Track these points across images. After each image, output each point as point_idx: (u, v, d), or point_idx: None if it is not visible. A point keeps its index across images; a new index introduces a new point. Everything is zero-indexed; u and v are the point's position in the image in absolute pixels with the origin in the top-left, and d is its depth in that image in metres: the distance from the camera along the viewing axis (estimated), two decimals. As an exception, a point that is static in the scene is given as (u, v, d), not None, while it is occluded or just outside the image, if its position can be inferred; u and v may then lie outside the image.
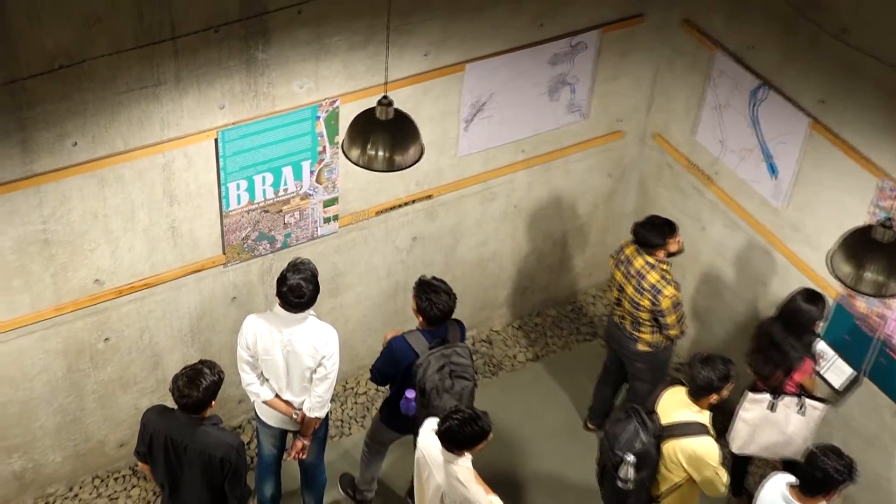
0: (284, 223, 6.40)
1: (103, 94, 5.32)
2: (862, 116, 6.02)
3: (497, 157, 7.06)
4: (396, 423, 6.21)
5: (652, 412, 5.82)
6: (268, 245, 6.42)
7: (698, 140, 7.19)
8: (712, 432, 5.71)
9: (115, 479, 6.79)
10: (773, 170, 6.69)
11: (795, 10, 6.11)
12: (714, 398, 5.74)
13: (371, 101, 4.94)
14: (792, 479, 5.39)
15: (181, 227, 6.06)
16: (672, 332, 6.66)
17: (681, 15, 6.96)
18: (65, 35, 4.99)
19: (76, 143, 5.41)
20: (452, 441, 5.24)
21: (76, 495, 6.69)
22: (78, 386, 6.31)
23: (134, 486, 6.90)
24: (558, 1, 6.52)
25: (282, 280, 5.65)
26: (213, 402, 5.25)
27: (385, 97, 4.90)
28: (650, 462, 5.71)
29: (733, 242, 7.20)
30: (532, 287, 8.08)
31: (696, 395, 5.71)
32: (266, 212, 6.28)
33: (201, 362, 5.23)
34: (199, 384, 5.12)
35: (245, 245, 6.34)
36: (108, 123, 5.45)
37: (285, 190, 6.27)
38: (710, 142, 7.10)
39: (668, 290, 6.45)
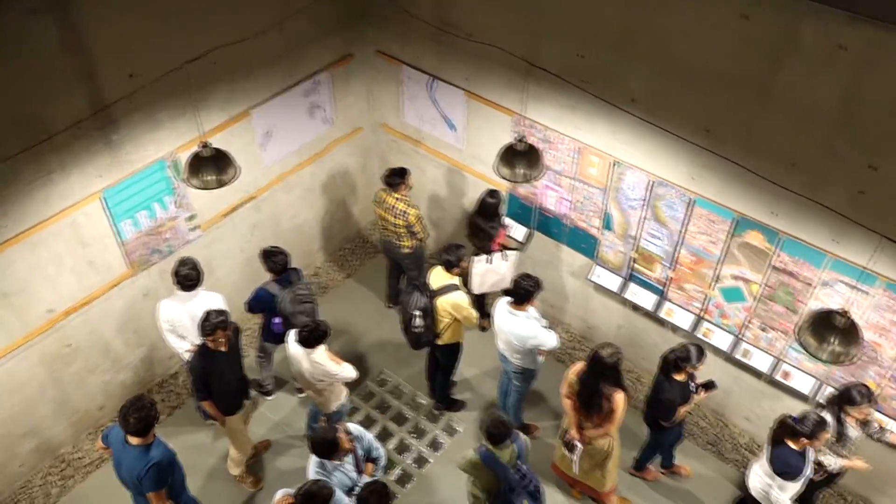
0: (164, 239, 6.38)
1: (15, 187, 5.24)
2: (491, 82, 6.47)
3: (289, 161, 7.18)
4: (272, 338, 6.36)
5: (425, 284, 6.14)
6: (158, 255, 6.41)
7: (406, 121, 7.47)
8: (463, 289, 6.13)
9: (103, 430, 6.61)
10: (453, 127, 7.12)
11: (437, 28, 6.47)
12: (458, 271, 6.10)
13: (197, 148, 5.14)
14: (509, 298, 5.73)
15: (96, 259, 5.96)
16: (421, 236, 6.99)
17: (374, 48, 7.19)
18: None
19: (7, 225, 5.31)
20: (306, 342, 5.47)
21: (79, 448, 6.61)
22: (59, 381, 6.21)
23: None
24: (298, 57, 6.70)
25: (176, 273, 5.76)
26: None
27: (204, 143, 5.19)
28: (430, 313, 6.08)
29: (442, 175, 7.51)
30: (332, 234, 8.14)
31: (448, 267, 6.08)
32: (150, 235, 6.26)
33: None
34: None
35: (143, 259, 6.33)
36: (23, 206, 5.35)
37: (159, 218, 6.26)
38: (414, 120, 7.41)
39: (412, 211, 6.78)
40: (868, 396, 5.01)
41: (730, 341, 6.16)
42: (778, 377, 6.03)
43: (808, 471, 4.95)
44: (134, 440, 4.61)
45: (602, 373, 5.07)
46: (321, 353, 5.50)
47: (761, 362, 6.06)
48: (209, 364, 5.46)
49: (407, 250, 6.96)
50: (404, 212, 6.68)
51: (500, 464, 4.76)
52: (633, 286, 6.58)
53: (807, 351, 4.52)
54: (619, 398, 5.14)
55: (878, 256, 4.88)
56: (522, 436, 5.10)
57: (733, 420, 6.70)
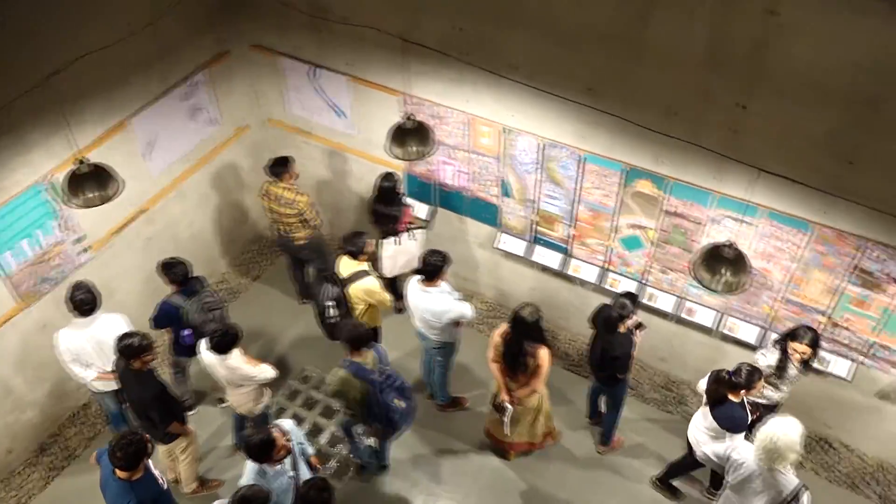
0: (53, 265, 6.11)
1: None
2: (373, 64, 6.43)
3: (177, 168, 6.97)
4: (184, 351, 6.19)
5: (334, 274, 6.11)
6: (49, 284, 6.14)
7: (294, 113, 7.36)
8: (372, 273, 6.14)
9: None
10: (341, 114, 7.06)
11: (311, 16, 6.38)
12: (365, 257, 6.09)
13: (73, 166, 4.94)
14: (420, 276, 5.81)
15: (-17, 295, 5.58)
16: (314, 223, 6.85)
17: (250, 42, 7.02)
18: None
19: None
20: (219, 348, 5.37)
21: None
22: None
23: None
24: (172, 60, 6.48)
25: (71, 299, 5.51)
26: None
27: (80, 160, 4.95)
28: (343, 302, 6.07)
29: (338, 164, 7.47)
30: (233, 237, 8.03)
31: (355, 255, 6.08)
32: (37, 263, 5.98)
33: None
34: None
35: (33, 290, 6.06)
36: None
37: (44, 245, 6.00)
38: (301, 111, 7.31)
39: (301, 198, 6.65)
40: (812, 337, 5.21)
41: (635, 288, 6.42)
42: (683, 315, 6.35)
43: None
44: (120, 473, 4.47)
45: (524, 331, 5.17)
46: (236, 357, 5.41)
47: (666, 303, 6.37)
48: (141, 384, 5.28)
49: (302, 241, 6.83)
50: (293, 200, 6.55)
51: (366, 370, 5.10)
52: (538, 248, 6.76)
53: (702, 285, 4.80)
54: (543, 353, 5.26)
55: (756, 188, 5.20)
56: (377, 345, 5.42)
57: (649, 362, 7.02)
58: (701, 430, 5.38)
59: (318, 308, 6.08)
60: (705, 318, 6.25)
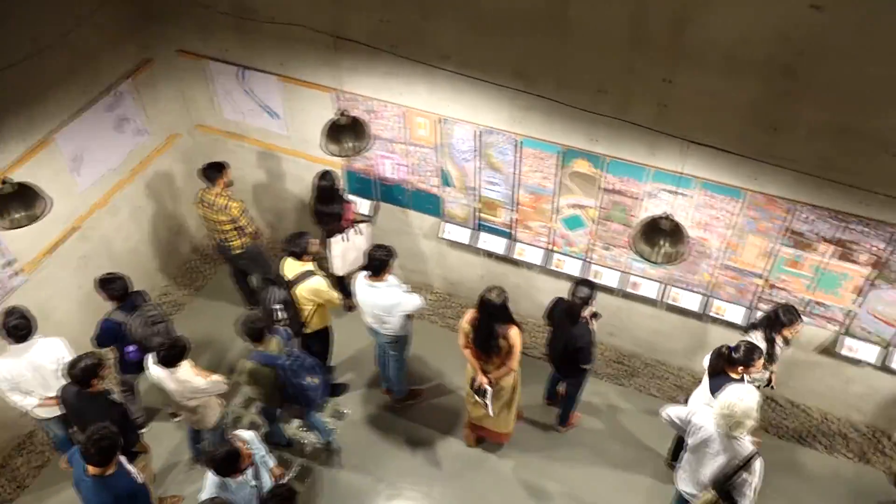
0: None
1: None
2: (303, 62, 6.38)
3: (107, 182, 6.81)
4: (131, 369, 6.05)
5: (279, 276, 6.04)
6: None
7: (226, 117, 7.27)
8: (319, 273, 6.06)
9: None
10: (274, 115, 6.98)
11: (237, 17, 6.29)
12: (309, 256, 6.03)
13: None
14: (366, 272, 5.74)
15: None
16: (249, 230, 6.72)
17: (174, 47, 6.88)
18: None
19: None
20: (167, 362, 5.27)
21: None
22: None
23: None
24: (93, 71, 6.31)
25: (3, 326, 5.34)
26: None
27: (4, 180, 4.80)
28: (291, 304, 6.02)
29: (275, 166, 7.39)
30: (173, 248, 7.87)
31: (299, 256, 6.01)
32: None
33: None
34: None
35: None
36: None
37: None
38: (233, 115, 7.20)
39: (234, 204, 6.54)
40: (797, 314, 5.31)
41: (580, 266, 6.54)
42: (629, 289, 6.49)
43: None
44: (92, 470, 4.40)
45: (493, 314, 5.21)
46: (186, 370, 5.32)
47: (611, 279, 6.50)
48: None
49: (239, 250, 6.74)
50: (226, 206, 6.45)
51: (271, 356, 5.25)
52: (483, 235, 6.82)
53: (643, 258, 4.92)
54: (514, 333, 5.30)
55: (688, 160, 5.34)
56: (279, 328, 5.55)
57: (599, 338, 7.13)
58: (700, 405, 5.41)
59: (265, 312, 5.98)
60: (650, 290, 6.40)
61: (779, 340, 5.40)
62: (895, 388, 6.05)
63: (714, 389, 5.00)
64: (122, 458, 4.57)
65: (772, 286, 5.92)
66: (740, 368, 5.00)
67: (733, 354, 4.98)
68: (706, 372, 5.24)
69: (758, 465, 4.55)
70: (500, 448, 6.43)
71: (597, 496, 6.07)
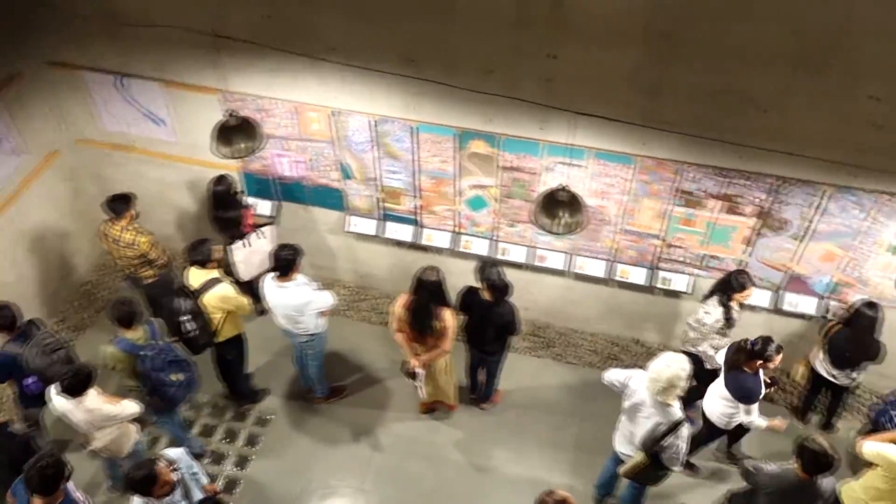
0: None
1: None
2: (185, 65, 6.19)
3: None
4: (32, 402, 5.75)
5: (184, 287, 5.84)
6: None
7: (108, 129, 6.97)
8: (225, 279, 5.91)
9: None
10: (160, 122, 6.75)
11: (107, 23, 6.02)
12: (214, 264, 5.89)
13: None
14: (274, 273, 5.66)
15: None
16: (161, 262, 6.48)
17: (45, 59, 6.55)
18: None
19: None
20: (73, 391, 5.01)
21: None
22: None
23: None
24: None
25: None
26: None
27: None
28: (199, 315, 5.84)
29: (167, 175, 7.15)
30: (67, 271, 7.50)
31: (203, 264, 5.85)
32: None
33: None
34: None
35: None
36: None
37: None
38: (116, 126, 6.92)
39: (142, 239, 6.24)
40: (749, 278, 5.49)
41: (488, 245, 6.65)
42: (537, 262, 6.66)
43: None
44: (37, 501, 4.25)
45: (431, 293, 5.28)
46: (93, 398, 5.08)
47: (519, 255, 6.66)
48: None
49: (150, 279, 6.48)
50: (133, 241, 6.19)
51: (135, 345, 5.27)
52: (389, 224, 6.83)
53: (545, 230, 5.05)
54: (447, 315, 5.39)
55: (578, 132, 5.53)
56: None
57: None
58: (717, 398, 5.48)
59: (172, 325, 5.79)
60: (556, 261, 6.59)
61: (734, 305, 5.57)
62: (789, 328, 6.47)
63: (728, 383, 5.24)
64: (70, 485, 4.43)
65: (669, 245, 6.21)
66: (759, 363, 5.11)
67: (754, 348, 5.08)
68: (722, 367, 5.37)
69: (685, 430, 4.76)
70: (428, 433, 6.48)
71: (526, 467, 6.23)
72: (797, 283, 6.11)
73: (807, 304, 6.18)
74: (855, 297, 5.93)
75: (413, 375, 5.66)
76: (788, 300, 6.20)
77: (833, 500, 4.63)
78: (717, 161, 5.48)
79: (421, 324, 5.38)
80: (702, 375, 5.52)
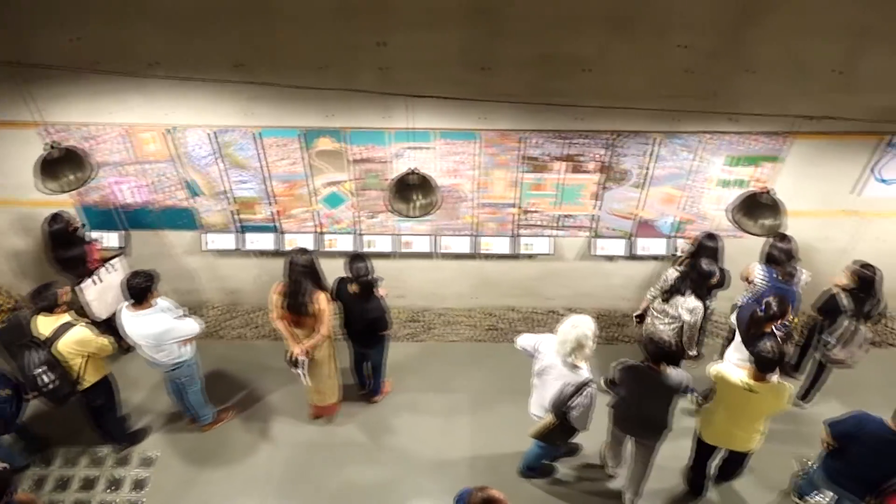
0: None
1: None
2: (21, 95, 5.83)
3: None
4: None
5: (34, 338, 5.45)
6: None
7: None
8: (79, 322, 5.55)
9: None
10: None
11: None
12: (64, 307, 5.51)
13: None
14: (128, 302, 5.43)
15: None
16: (7, 307, 6.12)
17: None
18: None
19: None
20: None
21: None
22: None
23: None
24: None
25: None
26: None
27: None
28: (56, 364, 5.47)
29: (2, 220, 6.70)
30: None
31: (51, 310, 5.47)
32: None
33: None
34: None
35: None
36: None
37: None
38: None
39: None
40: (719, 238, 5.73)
41: (352, 240, 6.64)
42: (403, 249, 6.71)
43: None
44: None
45: (303, 273, 5.33)
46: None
47: (385, 244, 6.69)
48: None
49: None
50: None
51: None
52: (248, 235, 6.67)
53: (402, 215, 5.11)
54: (322, 297, 5.41)
55: (417, 115, 5.61)
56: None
57: (390, 303, 7.30)
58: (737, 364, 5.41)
59: (27, 381, 5.40)
60: (422, 245, 6.69)
61: (704, 263, 5.65)
62: (645, 271, 6.90)
63: (748, 344, 5.25)
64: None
65: (525, 211, 6.44)
66: (773, 323, 5.23)
67: (768, 312, 5.20)
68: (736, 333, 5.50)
69: (590, 390, 4.93)
70: (324, 436, 6.42)
71: (423, 452, 6.29)
72: (645, 227, 6.51)
73: (657, 246, 6.61)
74: (696, 232, 6.40)
75: (296, 363, 5.61)
76: (641, 245, 6.60)
77: (684, 389, 4.93)
78: (555, 125, 5.73)
79: (297, 303, 5.38)
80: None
